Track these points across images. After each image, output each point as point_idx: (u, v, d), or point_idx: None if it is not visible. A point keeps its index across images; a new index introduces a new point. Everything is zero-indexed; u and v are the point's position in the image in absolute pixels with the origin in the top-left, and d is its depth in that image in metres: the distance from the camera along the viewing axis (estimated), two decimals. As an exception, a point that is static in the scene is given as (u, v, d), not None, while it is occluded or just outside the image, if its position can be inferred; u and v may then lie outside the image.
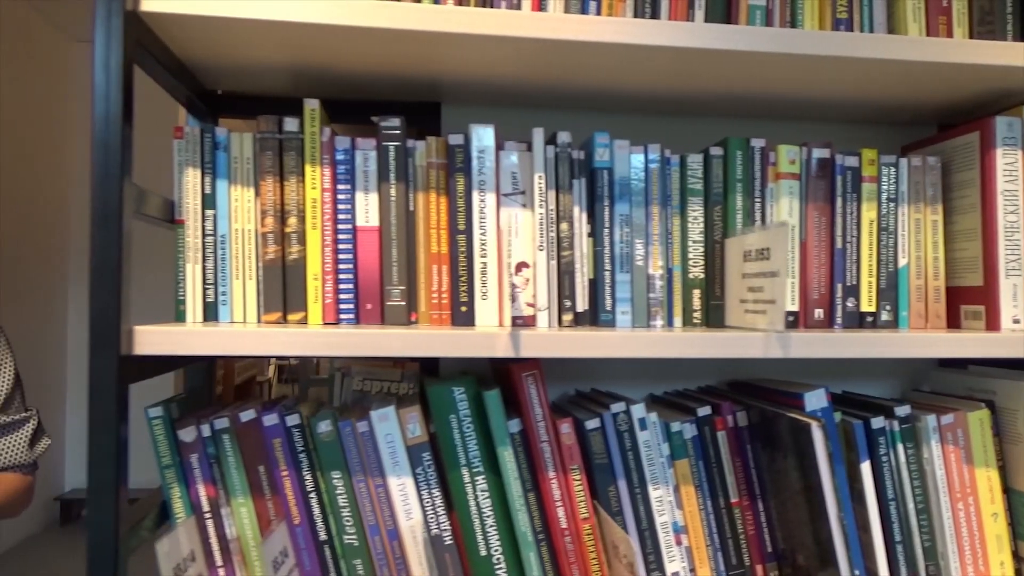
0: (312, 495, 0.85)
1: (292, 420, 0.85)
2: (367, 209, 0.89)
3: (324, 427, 0.85)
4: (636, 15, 0.93)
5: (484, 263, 0.91)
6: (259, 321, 0.87)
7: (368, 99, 1.06)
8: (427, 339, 0.78)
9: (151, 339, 0.73)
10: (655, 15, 0.94)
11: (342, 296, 0.88)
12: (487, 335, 0.79)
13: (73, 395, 4.81)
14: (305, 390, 2.23)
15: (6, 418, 1.17)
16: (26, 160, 4.17)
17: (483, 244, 0.91)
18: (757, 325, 0.84)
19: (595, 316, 0.93)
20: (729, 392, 1.09)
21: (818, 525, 0.84)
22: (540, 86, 1.01)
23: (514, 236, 0.90)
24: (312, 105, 0.87)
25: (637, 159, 0.95)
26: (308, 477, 0.85)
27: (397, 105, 1.07)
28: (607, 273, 0.93)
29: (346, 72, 0.95)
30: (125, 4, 0.70)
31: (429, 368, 1.10)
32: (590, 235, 0.94)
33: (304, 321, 0.87)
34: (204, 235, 0.86)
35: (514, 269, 0.88)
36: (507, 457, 0.86)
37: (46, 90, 4.46)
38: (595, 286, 0.93)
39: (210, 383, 1.05)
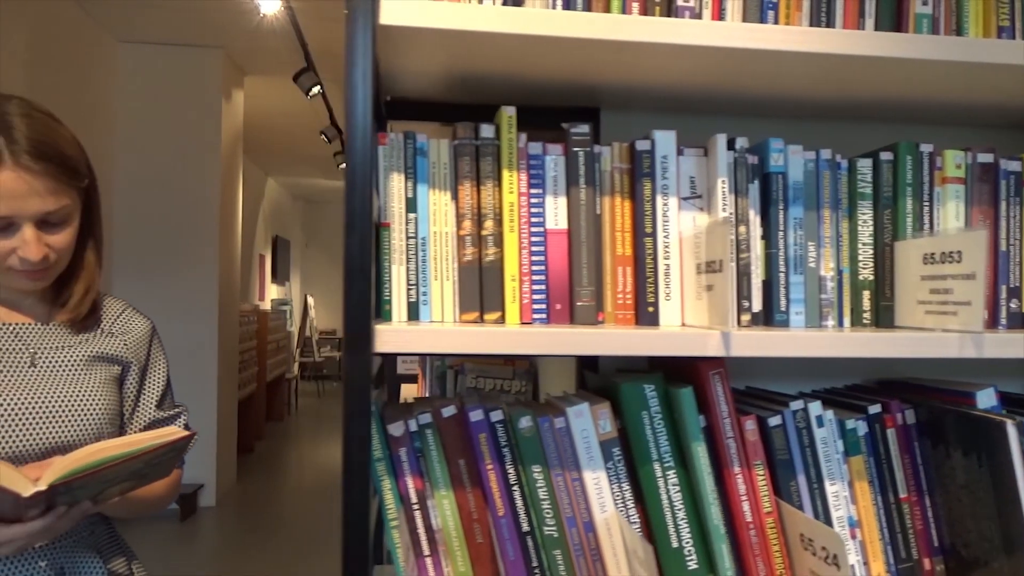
0: (515, 488, 0.88)
1: (496, 416, 0.88)
2: (556, 212, 0.92)
3: (525, 423, 0.88)
4: (812, 24, 0.96)
5: (667, 265, 0.94)
6: (456, 320, 0.90)
7: (525, 104, 1.09)
8: (650, 339, 0.81)
9: (388, 338, 0.76)
10: (830, 24, 0.96)
11: (536, 296, 0.91)
12: (700, 335, 0.82)
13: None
14: (395, 388, 2.26)
15: (162, 413, 1.20)
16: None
17: (666, 247, 0.94)
18: (948, 326, 0.87)
19: (769, 316, 0.96)
20: (880, 389, 1.12)
21: (1008, 518, 0.87)
22: (704, 91, 1.04)
23: (698, 239, 0.93)
24: (509, 112, 0.90)
25: (809, 163, 0.98)
26: (511, 471, 0.88)
27: (555, 110, 1.10)
28: (781, 275, 0.96)
29: (510, 78, 0.99)
30: (376, 18, 0.74)
31: (590, 365, 1.13)
32: (762, 238, 0.97)
33: (501, 321, 0.90)
34: (407, 238, 0.89)
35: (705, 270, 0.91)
36: (700, 452, 0.89)
37: (91, 90, 4.51)
38: (768, 287, 0.96)
39: (379, 379, 1.08)
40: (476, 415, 0.88)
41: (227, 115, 5.21)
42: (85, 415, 1.06)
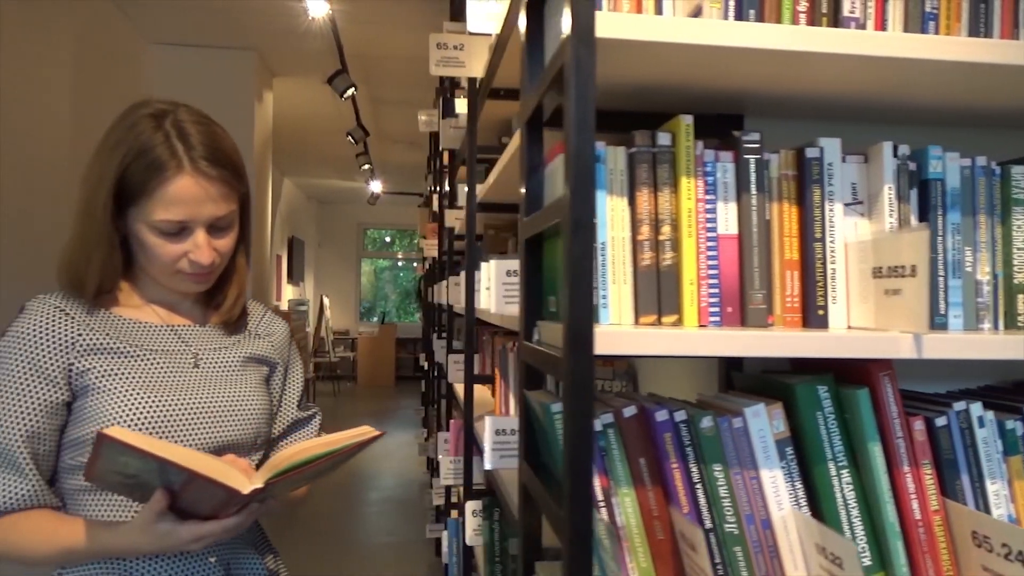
0: (697, 486, 0.90)
1: (680, 416, 0.90)
2: (727, 218, 0.95)
3: (706, 423, 0.90)
4: (970, 33, 0.98)
5: (834, 269, 0.96)
6: (635, 323, 0.93)
7: (671, 111, 1.12)
8: (844, 341, 0.84)
9: (609, 341, 0.79)
10: (988, 33, 0.99)
11: (712, 300, 0.94)
12: (890, 338, 0.84)
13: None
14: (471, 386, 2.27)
15: (302, 413, 1.23)
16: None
17: (832, 251, 0.96)
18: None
19: (931, 320, 0.99)
20: (1015, 389, 1.14)
21: None
22: (861, 99, 1.06)
23: (863, 244, 0.96)
24: (687, 121, 0.93)
25: (965, 170, 1.00)
26: (693, 469, 0.90)
27: (701, 117, 1.13)
28: (941, 279, 0.99)
29: (675, 87, 1.01)
30: (593, 32, 0.76)
31: (734, 365, 1.15)
32: (919, 242, 0.99)
33: (678, 323, 0.93)
34: (592, 243, 0.92)
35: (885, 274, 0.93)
36: (876, 452, 0.91)
37: (122, 90, 4.53)
38: (930, 292, 0.99)
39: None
40: (661, 415, 0.90)
41: (258, 117, 5.23)
42: (246, 415, 1.09)
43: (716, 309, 0.94)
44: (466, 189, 2.32)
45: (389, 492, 5.54)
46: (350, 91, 4.67)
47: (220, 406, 1.06)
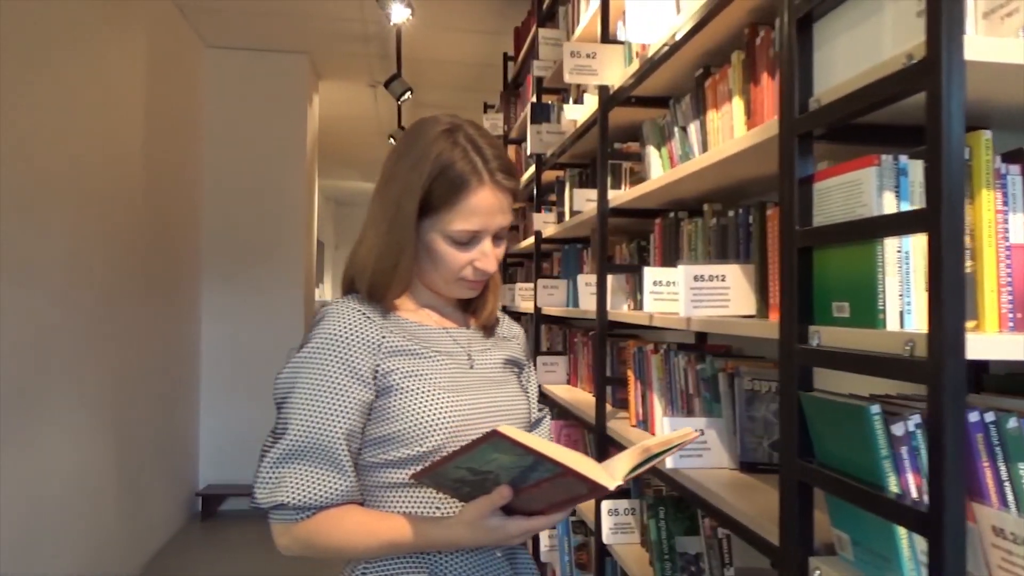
0: (1005, 484, 0.95)
1: (989, 417, 0.95)
2: (1018, 228, 0.99)
3: (1013, 423, 0.95)
4: None
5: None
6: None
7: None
8: None
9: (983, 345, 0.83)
10: None
11: (1008, 306, 0.98)
12: None
13: (207, 394, 4.90)
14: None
15: (539, 413, 1.27)
16: (168, 163, 4.24)
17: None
18: None
19: None
20: None
21: None
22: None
23: None
24: (987, 136, 0.97)
25: None
26: (1002, 468, 0.95)
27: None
28: None
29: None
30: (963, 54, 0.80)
31: (982, 368, 1.20)
32: None
33: (977, 329, 0.97)
34: (897, 251, 0.96)
35: None
36: None
37: (182, 93, 4.55)
38: None
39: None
40: (974, 416, 0.94)
41: (309, 120, 5.26)
42: (517, 414, 1.13)
43: (1010, 315, 0.99)
44: (590, 195, 2.36)
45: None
46: (407, 95, 4.70)
47: (497, 406, 1.10)
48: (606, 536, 2.11)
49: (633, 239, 2.37)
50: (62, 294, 2.90)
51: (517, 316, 4.23)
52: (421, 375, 1.05)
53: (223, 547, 4.27)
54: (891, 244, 0.96)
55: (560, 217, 3.07)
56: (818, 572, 1.05)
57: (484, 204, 1.04)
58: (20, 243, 2.56)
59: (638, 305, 2.26)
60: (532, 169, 3.36)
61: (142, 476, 3.80)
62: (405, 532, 0.99)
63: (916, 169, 0.98)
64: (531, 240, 3.58)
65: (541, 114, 3.11)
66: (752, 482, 1.49)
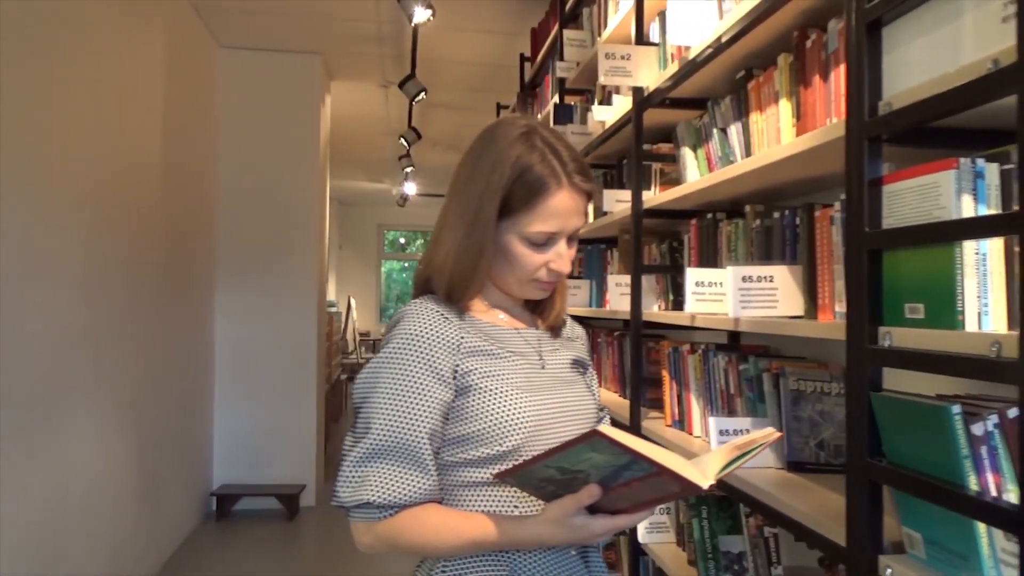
0: (1083, 483, 0.96)
1: (1066, 417, 0.96)
2: (1090, 230, 1.01)
3: (1089, 423, 0.96)
4: None
5: None
6: (1008, 329, 0.98)
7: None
8: None
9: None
10: None
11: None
12: None
13: (221, 394, 4.91)
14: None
15: (600, 414, 1.28)
16: (184, 163, 4.24)
17: None
18: None
19: None
20: None
21: None
22: None
23: None
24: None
25: None
26: (1080, 467, 0.96)
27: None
28: None
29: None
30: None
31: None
32: None
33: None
34: (975, 253, 0.97)
35: None
36: None
37: (197, 93, 4.55)
38: None
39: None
40: (1054, 416, 0.96)
41: (322, 120, 5.26)
42: (587, 415, 1.14)
43: (1083, 317, 1.00)
44: (621, 196, 2.37)
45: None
46: (421, 95, 4.71)
47: (569, 406, 1.11)
48: (642, 535, 2.12)
49: (663, 240, 2.38)
50: (86, 295, 2.91)
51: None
52: (499, 375, 1.06)
53: (239, 547, 4.28)
54: (969, 246, 0.97)
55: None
56: (890, 571, 1.06)
57: (562, 206, 1.05)
58: (45, 245, 2.56)
59: (669, 305, 2.28)
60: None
61: (160, 476, 3.80)
62: (489, 530, 1.00)
63: (992, 172, 1.00)
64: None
65: (564, 115, 3.12)
66: (802, 481, 1.50)
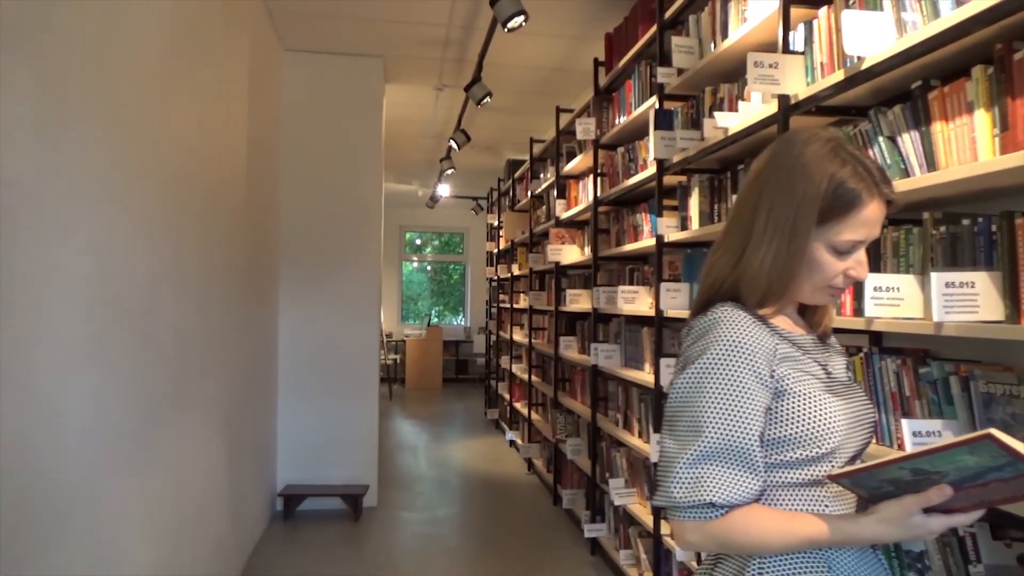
0: None
1: None
2: None
3: None
4: None
5: None
6: None
7: None
8: None
9: None
10: None
11: None
12: None
13: (284, 394, 4.92)
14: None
15: None
16: (261, 167, 4.26)
17: None
18: None
19: None
20: None
21: None
22: None
23: None
24: None
25: None
26: None
27: None
28: None
29: None
30: None
31: None
32: None
33: None
34: None
35: None
36: None
37: (269, 97, 4.57)
38: None
39: None
40: None
41: (381, 123, 5.29)
42: (872, 421, 1.17)
43: None
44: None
45: (504, 493, 5.60)
46: (486, 99, 4.74)
47: (861, 413, 1.15)
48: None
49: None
50: (198, 299, 2.93)
51: (608, 318, 4.29)
52: (805, 379, 1.09)
53: (309, 546, 4.30)
54: None
55: (684, 222, 3.13)
56: None
57: (873, 216, 1.09)
58: (167, 252, 2.58)
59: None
60: (647, 173, 3.42)
61: (243, 475, 3.82)
62: (823, 529, 1.03)
63: None
64: (639, 244, 3.64)
65: (665, 121, 3.16)
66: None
